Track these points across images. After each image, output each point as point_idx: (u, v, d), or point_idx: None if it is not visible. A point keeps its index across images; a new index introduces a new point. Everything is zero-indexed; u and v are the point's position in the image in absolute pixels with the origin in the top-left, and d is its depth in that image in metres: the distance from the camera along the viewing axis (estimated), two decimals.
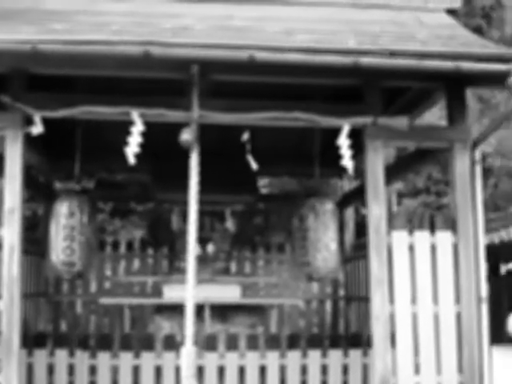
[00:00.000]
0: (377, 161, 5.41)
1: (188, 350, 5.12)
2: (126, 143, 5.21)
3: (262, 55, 4.63)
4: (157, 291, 8.09)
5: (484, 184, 10.25)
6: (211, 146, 5.72)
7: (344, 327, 8.65)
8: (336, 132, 5.35)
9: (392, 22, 6.41)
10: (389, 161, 7.99)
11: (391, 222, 5.65)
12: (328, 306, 9.20)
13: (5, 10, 6.00)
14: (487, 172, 10.64)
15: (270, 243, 9.02)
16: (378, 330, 5.36)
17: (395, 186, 11.29)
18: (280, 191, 10.25)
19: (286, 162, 8.59)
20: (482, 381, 5.32)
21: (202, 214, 7.17)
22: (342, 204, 9.01)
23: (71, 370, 6.41)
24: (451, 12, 7.00)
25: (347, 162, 5.21)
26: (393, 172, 7.03)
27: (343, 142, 5.23)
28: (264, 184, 10.99)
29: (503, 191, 11.40)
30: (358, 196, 8.09)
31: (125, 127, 5.24)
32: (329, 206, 7.11)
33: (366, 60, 4.65)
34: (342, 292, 9.14)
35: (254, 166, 5.37)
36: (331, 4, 6.78)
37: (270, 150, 7.64)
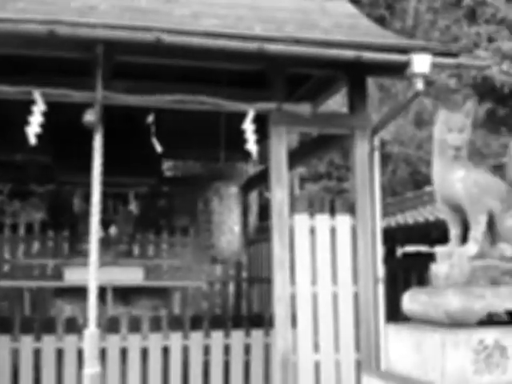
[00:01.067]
0: (280, 146, 5.52)
1: (91, 332, 5.08)
2: (26, 123, 5.08)
3: (169, 38, 4.62)
4: (58, 274, 7.94)
5: (382, 170, 10.62)
6: (115, 128, 5.66)
7: (246, 308, 8.78)
8: (242, 117, 5.42)
9: (297, 9, 6.51)
10: (292, 146, 8.17)
11: (293, 206, 5.78)
12: (231, 287, 9.32)
13: None
14: (386, 158, 11.01)
15: (174, 226, 9.01)
16: (280, 310, 5.51)
17: (298, 171, 11.52)
18: (184, 174, 10.26)
19: (191, 145, 8.59)
20: (378, 358, 5.56)
21: (104, 196, 7.07)
22: (247, 187, 9.11)
23: None
24: (356, 2, 7.19)
25: (252, 146, 5.28)
26: (296, 157, 7.17)
27: (248, 127, 5.29)
28: (168, 167, 10.97)
29: (401, 177, 11.86)
30: (261, 180, 8.21)
31: (26, 106, 5.11)
32: (233, 190, 7.19)
33: (271, 47, 4.72)
34: (244, 274, 9.28)
35: (158, 148, 5.35)
36: None
37: (176, 133, 7.61)
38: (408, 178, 11.89)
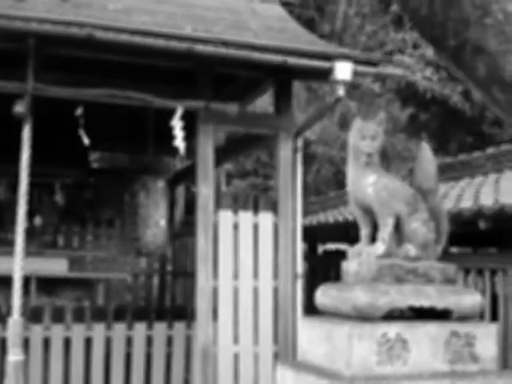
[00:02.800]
0: (207, 144, 5.67)
1: (15, 321, 5.12)
2: None
3: (100, 34, 4.71)
4: None
5: (307, 169, 10.90)
6: (43, 118, 5.68)
7: (170, 301, 8.90)
8: (171, 112, 5.53)
9: (227, 9, 6.66)
10: (219, 143, 8.32)
11: (219, 202, 5.94)
12: (156, 280, 9.41)
13: None
14: (311, 158, 11.28)
15: (99, 218, 9.04)
16: (202, 303, 5.67)
17: (225, 167, 11.68)
18: (112, 166, 10.26)
19: (120, 137, 8.64)
20: (295, 350, 5.79)
21: (30, 185, 7.08)
22: (174, 182, 9.22)
23: None
24: (286, 3, 7.39)
25: (179, 142, 5.41)
26: (223, 154, 7.33)
27: (176, 124, 5.42)
28: (96, 158, 10.93)
29: (324, 176, 12.15)
30: (188, 175, 8.34)
31: None
32: (160, 184, 7.30)
33: (200, 48, 4.87)
34: (169, 267, 9.38)
35: (85, 140, 5.40)
36: None
37: (105, 126, 7.65)
38: (331, 178, 12.20)
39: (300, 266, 5.98)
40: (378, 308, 3.32)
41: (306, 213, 7.84)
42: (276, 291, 5.85)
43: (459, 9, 1.99)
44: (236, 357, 5.75)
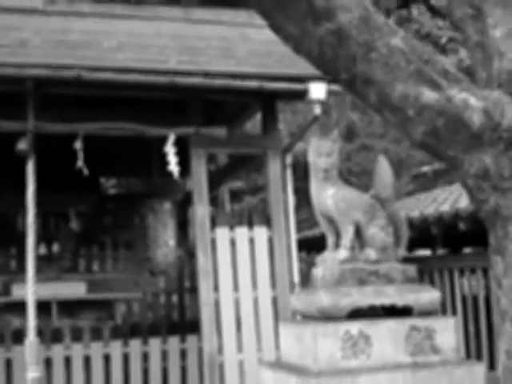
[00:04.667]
0: (200, 166, 6.07)
1: (31, 341, 5.53)
2: None
3: (88, 74, 5.16)
4: (6, 290, 8.36)
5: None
6: (51, 151, 6.12)
7: (184, 316, 9.25)
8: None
9: (220, 37, 7.06)
10: (221, 163, 8.74)
11: (216, 220, 6.31)
12: (174, 297, 9.78)
13: None
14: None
15: (117, 241, 9.48)
16: (205, 315, 6.05)
17: (236, 185, 12.09)
18: (123, 191, 10.73)
19: (130, 162, 9.07)
20: None
21: (46, 214, 7.57)
22: (185, 202, 9.63)
23: None
24: None
25: (173, 167, 5.81)
26: (223, 174, 7.76)
27: (169, 150, 5.82)
28: (112, 184, 11.42)
29: None
30: None
31: None
32: (167, 206, 7.74)
33: (181, 80, 5.29)
34: (187, 283, 9.75)
35: (85, 171, 5.79)
36: (167, 19, 7.35)
37: (111, 153, 8.08)
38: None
39: (296, 275, 6.32)
40: (340, 308, 3.66)
41: (313, 223, 8.15)
42: (275, 300, 6.19)
43: (346, 48, 2.35)
44: (241, 364, 6.09)
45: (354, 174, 11.87)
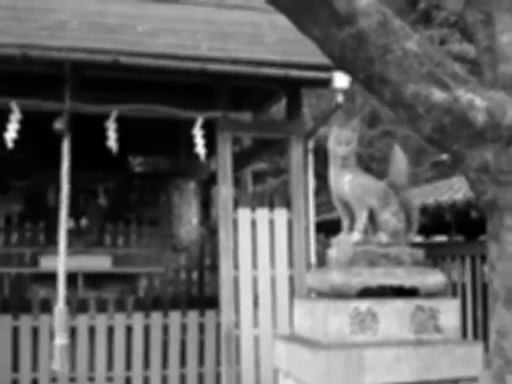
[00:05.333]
0: (226, 149, 6.35)
1: (60, 309, 5.87)
2: (5, 129, 5.85)
3: (124, 59, 5.45)
4: (34, 261, 8.75)
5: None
6: (85, 129, 6.41)
7: (203, 291, 9.60)
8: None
9: (249, 23, 7.28)
10: (246, 146, 9.02)
11: (238, 201, 6.60)
12: (195, 274, 10.13)
13: None
14: None
15: (142, 218, 9.83)
16: (225, 292, 6.36)
17: (259, 166, 12.38)
18: (149, 170, 11.07)
19: (158, 142, 9.36)
20: None
21: (76, 190, 7.90)
22: (209, 182, 9.93)
23: None
24: None
25: (200, 149, 6.09)
26: (248, 156, 8.04)
27: (197, 133, 6.11)
28: (138, 163, 11.76)
29: None
30: None
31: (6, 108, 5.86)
32: (192, 185, 8.05)
33: (211, 66, 5.57)
34: (208, 261, 10.10)
35: (114, 149, 6.08)
36: (199, 3, 7.59)
37: (142, 132, 8.37)
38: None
39: (313, 256, 6.61)
40: (351, 287, 3.94)
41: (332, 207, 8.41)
42: (291, 279, 6.48)
43: (364, 50, 2.62)
44: (256, 339, 6.41)
45: (376, 160, 12.09)
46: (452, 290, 6.69)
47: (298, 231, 6.49)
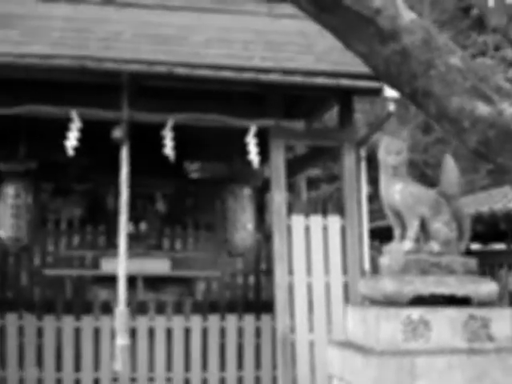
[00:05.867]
0: (279, 157, 6.45)
1: (120, 311, 6.07)
2: (65, 137, 6.07)
3: (179, 70, 5.62)
4: (95, 264, 9.01)
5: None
6: (144, 137, 6.59)
7: (260, 296, 9.71)
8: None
9: (299, 32, 7.34)
10: (299, 153, 9.09)
11: (292, 207, 6.70)
12: (251, 278, 10.26)
13: None
14: None
15: (199, 222, 10.01)
16: (279, 297, 6.46)
17: (314, 172, 12.43)
18: (205, 176, 11.23)
19: (214, 148, 9.50)
20: None
21: (135, 196, 8.11)
22: (264, 188, 10.03)
23: (21, 331, 7.28)
24: None
25: (253, 156, 6.21)
26: (301, 162, 8.11)
27: (250, 140, 6.23)
28: (196, 168, 11.93)
29: None
30: None
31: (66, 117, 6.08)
32: (247, 191, 8.16)
33: (264, 77, 5.68)
34: (264, 266, 10.20)
35: (171, 157, 6.24)
36: (250, 13, 7.72)
37: (200, 138, 8.51)
38: (416, 181, 12.50)
39: (367, 263, 6.64)
40: (403, 295, 3.99)
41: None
42: (346, 285, 6.52)
43: (408, 66, 2.67)
44: (311, 344, 6.47)
45: (430, 166, 11.99)
46: (510, 298, 6.62)
47: (352, 238, 6.54)
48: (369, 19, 2.61)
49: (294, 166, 8.59)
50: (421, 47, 2.66)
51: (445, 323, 3.95)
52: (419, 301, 4.03)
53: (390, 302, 4.01)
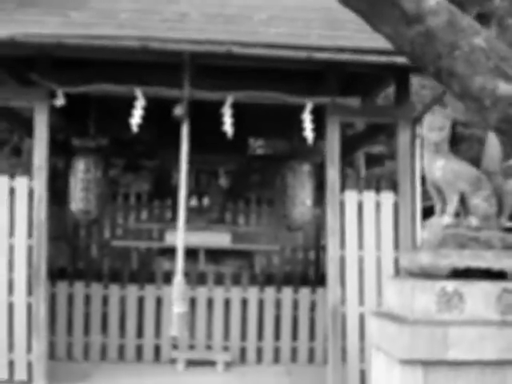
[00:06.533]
0: (334, 133, 6.62)
1: (178, 280, 6.40)
2: (130, 115, 6.40)
3: (237, 50, 5.87)
4: (161, 236, 9.43)
5: (456, 150, 11.31)
6: (207, 115, 6.85)
7: (318, 270, 9.92)
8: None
9: None
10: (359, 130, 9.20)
11: (351, 184, 6.86)
12: (311, 253, 10.50)
13: None
14: (459, 139, 11.58)
15: (260, 198, 10.30)
16: (331, 270, 6.65)
17: (377, 149, 12.50)
18: (271, 152, 11.48)
19: (275, 125, 9.69)
20: None
21: (199, 171, 8.45)
22: (323, 164, 10.17)
23: (88, 299, 7.77)
24: None
25: (308, 133, 6.41)
26: (360, 139, 8.24)
27: (306, 117, 6.42)
28: (259, 145, 12.21)
29: (473, 157, 12.32)
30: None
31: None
32: (306, 167, 8.37)
33: (318, 55, 5.85)
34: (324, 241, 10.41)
35: (229, 134, 6.48)
36: None
37: (262, 115, 8.72)
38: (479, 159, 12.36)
39: (419, 240, 6.73)
40: (439, 268, 4.12)
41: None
42: (396, 261, 6.66)
43: (432, 47, 2.82)
44: (361, 316, 6.66)
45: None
46: None
47: (404, 214, 6.66)
48: (394, 2, 2.77)
49: (353, 143, 8.74)
50: (445, 29, 2.81)
51: (479, 296, 4.07)
52: (455, 274, 4.16)
53: (426, 274, 4.16)
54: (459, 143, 12.92)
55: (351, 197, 6.72)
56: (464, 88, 2.85)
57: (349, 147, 8.53)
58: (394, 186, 6.72)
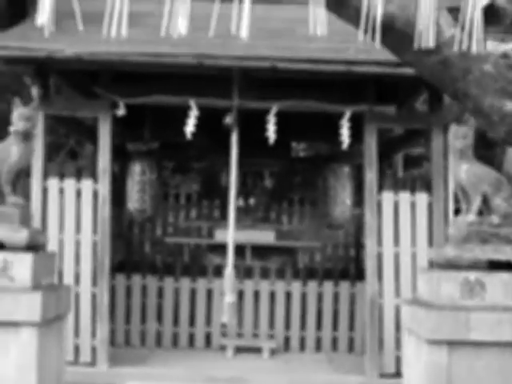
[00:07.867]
0: (372, 139, 7.17)
1: (229, 272, 7.00)
2: (184, 122, 7.00)
3: (280, 65, 6.46)
4: (210, 234, 10.09)
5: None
6: (253, 121, 7.42)
7: (358, 266, 10.43)
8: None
9: None
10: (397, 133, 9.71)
11: (388, 185, 7.38)
12: (351, 250, 11.03)
13: (87, 13, 7.81)
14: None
15: (303, 198, 10.89)
16: (369, 265, 7.21)
17: (416, 151, 12.97)
18: (313, 155, 12.05)
19: (317, 129, 10.20)
20: None
21: (246, 173, 9.07)
22: (363, 166, 10.69)
23: (144, 290, 8.46)
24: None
25: (345, 138, 6.96)
26: (399, 142, 8.77)
27: (344, 124, 6.98)
28: (302, 148, 12.79)
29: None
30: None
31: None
32: (346, 170, 8.93)
33: (356, 68, 6.41)
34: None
35: (271, 139, 7.03)
36: None
37: (305, 120, 9.24)
38: None
39: None
40: (462, 260, 4.67)
41: None
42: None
43: (449, 72, 3.38)
44: (397, 308, 7.19)
45: None
46: None
47: (438, 214, 7.17)
48: (415, 38, 3.34)
49: (392, 146, 9.26)
50: (459, 57, 3.37)
51: (498, 285, 4.60)
52: (477, 266, 4.69)
53: (451, 265, 4.69)
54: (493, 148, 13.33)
55: (388, 197, 7.26)
56: (476, 106, 3.40)
57: (388, 149, 9.07)
58: (428, 187, 7.23)
